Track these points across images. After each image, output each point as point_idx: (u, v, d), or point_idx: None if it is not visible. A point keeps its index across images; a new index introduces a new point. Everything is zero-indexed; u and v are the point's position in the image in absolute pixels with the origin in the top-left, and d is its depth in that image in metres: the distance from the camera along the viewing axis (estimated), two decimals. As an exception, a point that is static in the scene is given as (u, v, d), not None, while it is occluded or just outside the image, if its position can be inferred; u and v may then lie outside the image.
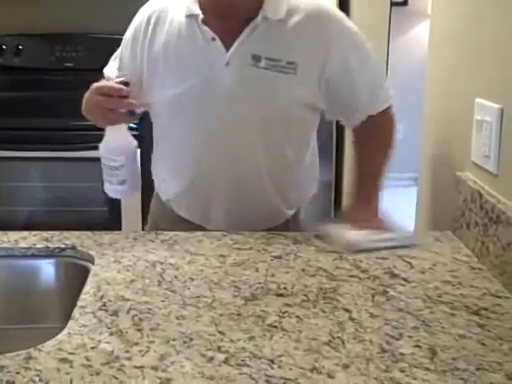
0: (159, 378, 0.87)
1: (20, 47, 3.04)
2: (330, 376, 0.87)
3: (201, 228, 1.49)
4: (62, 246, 1.34)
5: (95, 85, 1.39)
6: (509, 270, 1.12)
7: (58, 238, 1.37)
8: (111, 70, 1.56)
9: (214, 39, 1.39)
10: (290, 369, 0.89)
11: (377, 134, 1.55)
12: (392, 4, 2.93)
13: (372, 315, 1.04)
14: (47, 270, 1.33)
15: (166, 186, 1.58)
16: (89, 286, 1.15)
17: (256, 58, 1.38)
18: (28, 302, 1.32)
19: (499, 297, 1.11)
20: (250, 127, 1.42)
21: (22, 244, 1.35)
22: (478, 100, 1.31)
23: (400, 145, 5.69)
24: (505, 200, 1.18)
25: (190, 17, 1.41)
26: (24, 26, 3.09)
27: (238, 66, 1.39)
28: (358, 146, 1.57)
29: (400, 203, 4.34)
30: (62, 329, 1.00)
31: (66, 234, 1.40)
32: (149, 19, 1.47)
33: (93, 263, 1.26)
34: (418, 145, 1.83)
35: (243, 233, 1.40)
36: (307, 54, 1.40)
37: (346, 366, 0.89)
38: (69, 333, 0.98)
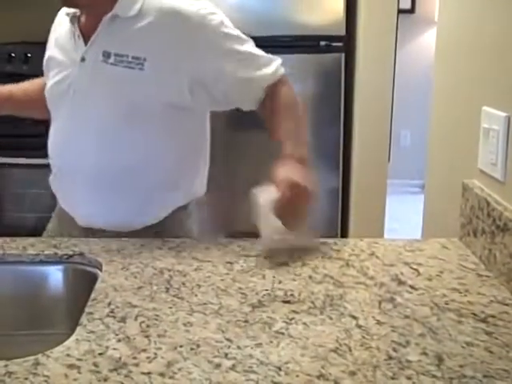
0: (166, 385, 0.87)
1: (28, 55, 3.06)
2: (337, 383, 0.87)
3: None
4: (70, 252, 1.35)
5: None
6: (516, 278, 1.12)
7: (66, 245, 1.38)
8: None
9: (79, 36, 1.47)
10: (297, 375, 0.89)
11: (279, 101, 1.52)
12: (399, 11, 2.94)
13: (379, 322, 1.04)
14: (55, 276, 1.34)
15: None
16: (97, 293, 1.15)
17: (106, 55, 1.43)
18: (36, 309, 1.32)
19: (506, 304, 1.11)
20: (104, 124, 1.44)
21: (31, 250, 1.36)
22: (484, 108, 1.31)
23: (407, 151, 5.69)
24: (512, 207, 1.18)
25: (68, 15, 1.51)
26: (32, 34, 3.11)
27: (90, 63, 1.45)
28: (268, 117, 1.54)
29: (407, 209, 4.35)
30: (69, 335, 1.00)
31: (74, 240, 1.41)
32: (56, 21, 1.61)
33: (101, 270, 1.26)
34: (425, 152, 1.83)
35: (250, 239, 1.41)
36: (159, 51, 1.41)
37: (352, 373, 0.90)
38: (77, 339, 0.99)
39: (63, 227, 1.57)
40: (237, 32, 1.51)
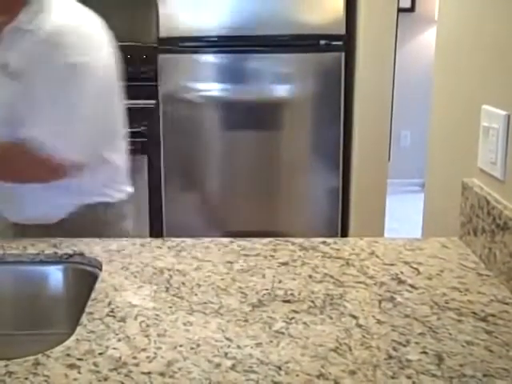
0: (166, 384, 0.87)
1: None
2: (337, 382, 0.87)
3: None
4: (70, 252, 1.35)
5: None
6: (516, 277, 1.12)
7: (67, 245, 1.38)
8: None
9: None
10: (297, 375, 0.89)
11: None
12: (399, 10, 2.94)
13: (379, 321, 1.04)
14: (55, 276, 1.34)
15: None
16: (96, 292, 1.15)
17: (4, 66, 1.45)
18: (36, 308, 1.32)
19: (506, 303, 1.11)
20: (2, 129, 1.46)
21: (31, 250, 1.36)
22: (484, 106, 1.31)
23: (407, 151, 5.70)
24: (512, 206, 1.18)
25: None
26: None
27: None
28: None
29: (408, 209, 4.35)
30: (70, 335, 1.00)
31: (74, 240, 1.41)
32: None
33: (101, 269, 1.26)
34: (425, 151, 1.83)
35: (251, 239, 1.41)
36: (32, 69, 1.43)
37: (352, 373, 0.90)
38: (77, 339, 0.99)
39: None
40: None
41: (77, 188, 1.54)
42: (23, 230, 1.53)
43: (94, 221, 1.57)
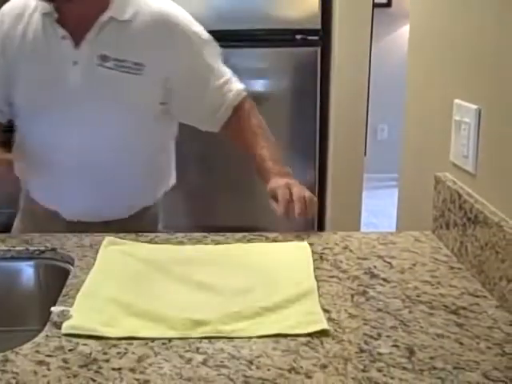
0: (137, 380, 0.87)
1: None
2: (308, 376, 0.87)
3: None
4: (42, 248, 1.33)
5: None
6: (486, 270, 1.13)
7: (39, 241, 1.36)
8: None
9: (64, 38, 1.43)
10: (268, 369, 0.89)
11: (246, 118, 1.57)
12: (375, 5, 2.95)
13: (351, 315, 1.04)
14: (27, 272, 1.32)
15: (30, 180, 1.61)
16: (68, 288, 1.14)
17: (103, 58, 1.42)
18: (7, 305, 1.30)
19: (477, 296, 1.11)
20: (97, 128, 1.46)
21: (1, 246, 1.34)
22: (456, 101, 1.32)
23: (384, 145, 5.68)
24: (482, 200, 1.19)
25: (45, 15, 1.45)
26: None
27: (85, 66, 1.42)
28: (239, 138, 1.60)
29: (386, 203, 4.36)
30: (40, 331, 0.99)
31: (46, 236, 1.39)
32: (9, 16, 1.49)
33: (73, 265, 1.25)
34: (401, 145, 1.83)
35: (224, 234, 1.41)
36: (155, 57, 1.44)
37: (324, 366, 0.90)
38: (46, 335, 0.98)
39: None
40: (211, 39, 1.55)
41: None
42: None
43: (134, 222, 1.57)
